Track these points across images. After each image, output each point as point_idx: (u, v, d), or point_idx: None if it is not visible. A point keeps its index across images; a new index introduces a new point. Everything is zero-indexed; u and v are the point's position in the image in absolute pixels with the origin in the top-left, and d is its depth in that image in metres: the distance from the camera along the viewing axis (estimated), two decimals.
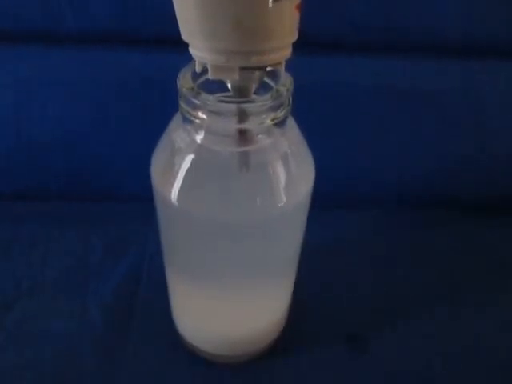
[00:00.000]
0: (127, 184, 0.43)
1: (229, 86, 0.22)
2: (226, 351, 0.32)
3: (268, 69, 0.21)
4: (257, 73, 0.21)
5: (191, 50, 0.21)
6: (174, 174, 0.23)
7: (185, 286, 0.29)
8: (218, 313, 0.29)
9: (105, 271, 0.37)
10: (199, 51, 0.20)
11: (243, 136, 0.22)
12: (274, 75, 0.23)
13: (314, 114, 0.35)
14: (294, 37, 0.21)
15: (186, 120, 0.23)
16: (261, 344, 0.32)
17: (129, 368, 0.31)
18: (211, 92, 0.22)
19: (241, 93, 0.22)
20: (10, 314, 0.34)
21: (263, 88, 0.23)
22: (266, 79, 0.23)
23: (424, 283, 0.38)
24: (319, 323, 0.34)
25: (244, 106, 0.21)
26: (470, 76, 0.41)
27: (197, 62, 0.21)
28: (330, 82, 0.40)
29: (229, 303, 0.29)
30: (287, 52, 0.21)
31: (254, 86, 0.22)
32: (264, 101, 0.21)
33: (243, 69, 0.20)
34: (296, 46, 0.21)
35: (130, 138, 0.41)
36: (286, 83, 0.22)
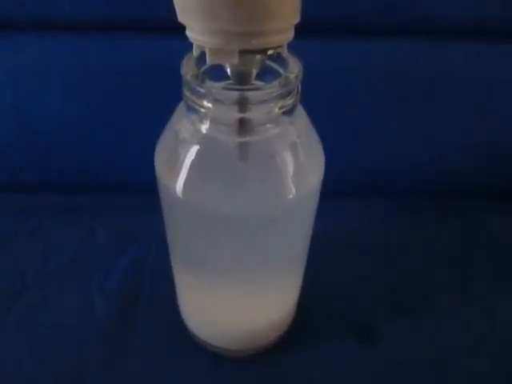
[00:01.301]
0: (131, 176, 0.42)
1: (228, 71, 0.21)
2: (234, 345, 0.31)
3: (269, 52, 0.20)
4: (257, 57, 0.20)
5: (188, 32, 0.20)
6: (179, 165, 0.23)
7: (192, 279, 0.29)
8: (225, 307, 0.29)
9: (109, 263, 0.37)
10: (196, 34, 0.19)
11: (243, 126, 0.21)
12: (281, 61, 0.22)
13: (323, 101, 0.34)
14: (296, 18, 0.20)
15: (190, 109, 0.22)
16: (269, 337, 0.32)
17: (134, 360, 0.31)
18: (216, 80, 0.21)
19: (241, 78, 0.21)
20: (15, 306, 0.34)
21: (271, 75, 0.22)
22: (274, 65, 0.22)
23: (435, 273, 0.37)
24: (328, 316, 0.34)
25: (249, 93, 0.20)
26: (480, 61, 0.39)
27: (194, 46, 0.20)
28: (341, 68, 0.39)
29: (236, 297, 0.28)
30: (289, 34, 0.20)
31: (254, 72, 0.21)
32: (272, 88, 0.20)
33: (243, 52, 0.19)
34: (305, 32, 0.20)
35: (133, 129, 0.41)
36: (294, 70, 0.21)
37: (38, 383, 0.30)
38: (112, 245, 0.39)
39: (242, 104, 0.20)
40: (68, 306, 0.34)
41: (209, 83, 0.20)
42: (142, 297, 0.35)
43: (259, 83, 0.22)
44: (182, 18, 0.19)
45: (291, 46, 0.21)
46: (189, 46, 0.21)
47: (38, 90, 0.40)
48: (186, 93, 0.21)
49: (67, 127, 0.41)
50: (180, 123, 0.23)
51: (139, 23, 0.38)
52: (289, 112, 0.22)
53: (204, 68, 0.22)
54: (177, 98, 0.23)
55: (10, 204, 0.43)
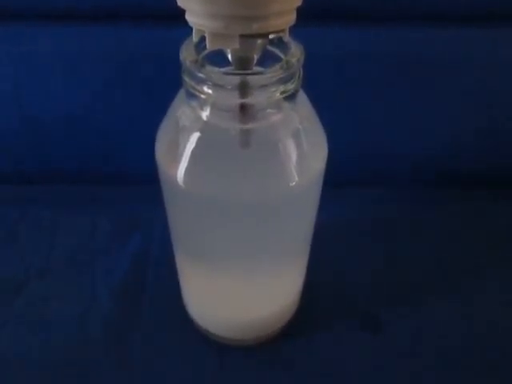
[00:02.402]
0: (133, 165, 0.42)
1: (229, 56, 0.21)
2: (238, 334, 0.31)
3: (271, 37, 0.20)
4: (259, 41, 0.20)
5: (188, 16, 0.19)
6: (180, 154, 0.22)
7: (195, 269, 0.29)
8: (230, 296, 0.29)
9: (113, 254, 0.37)
10: (196, 17, 0.19)
11: (245, 112, 0.21)
12: (282, 46, 0.21)
13: (326, 87, 0.34)
14: (298, 0, 0.19)
15: (191, 95, 0.21)
16: (274, 327, 0.31)
17: (140, 351, 0.31)
18: (217, 66, 0.20)
19: (242, 64, 0.20)
20: (19, 298, 0.34)
21: (272, 60, 0.21)
22: (275, 50, 0.22)
23: (439, 260, 0.37)
24: (332, 304, 0.34)
25: (250, 78, 0.20)
26: (487, 47, 0.39)
27: (194, 31, 0.20)
28: (343, 53, 0.38)
29: (240, 286, 0.28)
30: (291, 18, 0.19)
31: (255, 57, 0.21)
32: (273, 72, 0.20)
33: (244, 37, 0.19)
34: (306, 18, 0.20)
35: (136, 117, 0.40)
36: (296, 53, 0.21)
37: (43, 374, 0.30)
38: (115, 235, 0.39)
39: (243, 89, 0.20)
40: (72, 297, 0.34)
41: (208, 68, 0.20)
42: (145, 287, 0.34)
43: (260, 69, 0.21)
44: (181, 1, 0.19)
45: (293, 33, 0.21)
46: (191, 34, 0.21)
47: (39, 80, 0.40)
48: (186, 79, 0.21)
49: (69, 117, 0.41)
50: (180, 110, 0.23)
51: (141, 11, 0.38)
52: (291, 97, 0.21)
53: (204, 54, 0.21)
54: (178, 86, 0.23)
55: (12, 195, 0.42)
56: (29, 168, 0.43)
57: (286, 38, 0.21)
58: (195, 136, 0.22)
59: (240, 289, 0.28)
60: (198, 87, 0.20)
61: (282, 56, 0.21)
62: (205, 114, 0.22)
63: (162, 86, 0.27)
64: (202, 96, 0.21)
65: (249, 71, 0.20)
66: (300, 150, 0.23)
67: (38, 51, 0.39)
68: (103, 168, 0.43)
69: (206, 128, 0.22)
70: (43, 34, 0.39)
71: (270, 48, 0.22)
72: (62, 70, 0.39)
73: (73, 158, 0.43)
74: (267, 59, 0.21)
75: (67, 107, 0.41)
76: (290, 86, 0.21)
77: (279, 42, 0.22)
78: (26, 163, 0.43)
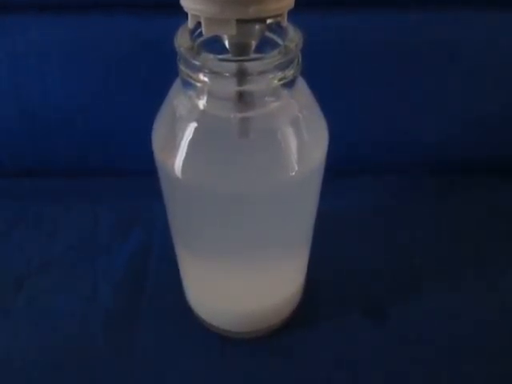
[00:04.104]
0: (134, 157, 0.41)
1: (226, 43, 0.20)
2: (240, 327, 0.31)
3: (268, 21, 0.19)
4: (256, 27, 0.19)
5: (182, 1, 0.19)
6: (177, 144, 0.22)
7: (195, 261, 0.28)
8: (231, 288, 0.28)
9: (114, 247, 0.37)
10: (191, 2, 0.18)
11: (243, 100, 0.20)
12: (280, 31, 0.21)
13: (326, 74, 0.33)
14: None
15: (187, 84, 0.21)
16: (275, 319, 0.31)
17: (141, 344, 0.31)
18: (213, 53, 0.20)
19: (240, 51, 0.20)
20: (20, 293, 0.34)
21: (270, 47, 0.21)
22: (273, 36, 0.21)
23: (440, 248, 0.37)
24: (334, 296, 0.33)
25: (247, 64, 0.19)
26: (495, 28, 0.38)
27: (189, 16, 0.19)
28: (343, 40, 0.37)
29: (242, 278, 0.28)
30: (289, 1, 0.19)
31: (254, 44, 0.20)
32: (271, 58, 0.19)
33: (241, 22, 0.18)
34: (306, 2, 0.19)
35: (135, 109, 0.40)
36: (294, 39, 0.20)
37: (44, 369, 0.30)
38: (116, 229, 0.38)
39: (241, 76, 0.19)
40: (73, 292, 0.34)
41: (204, 55, 0.20)
42: (147, 280, 0.34)
43: (258, 55, 0.21)
44: None
45: (292, 20, 0.21)
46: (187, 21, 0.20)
47: (37, 73, 0.39)
48: (181, 67, 0.20)
49: (67, 110, 0.40)
50: (177, 100, 0.22)
51: (137, 1, 0.37)
52: (289, 84, 0.21)
53: (200, 41, 0.21)
54: (176, 76, 0.22)
55: (12, 189, 0.42)
56: (28, 162, 0.43)
57: (285, 23, 0.20)
58: (192, 126, 0.22)
59: (242, 281, 0.28)
60: (194, 75, 0.20)
61: (281, 42, 0.21)
62: (202, 103, 0.21)
63: (160, 76, 0.27)
64: (198, 84, 0.20)
65: (246, 57, 0.20)
66: (300, 139, 0.22)
67: (35, 45, 0.38)
68: (103, 160, 0.43)
69: (203, 117, 0.21)
70: (38, 25, 0.38)
71: (268, 34, 0.21)
72: (57, 62, 0.39)
73: (72, 151, 0.43)
74: (266, 46, 0.21)
75: (65, 100, 0.40)
76: (289, 73, 0.20)
77: (277, 28, 0.21)
78: (25, 157, 0.43)
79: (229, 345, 0.31)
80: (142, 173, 0.36)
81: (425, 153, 0.43)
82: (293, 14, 0.20)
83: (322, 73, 0.29)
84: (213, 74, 0.20)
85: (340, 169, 0.33)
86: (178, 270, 0.31)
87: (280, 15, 0.19)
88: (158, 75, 0.29)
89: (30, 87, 0.40)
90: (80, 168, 0.43)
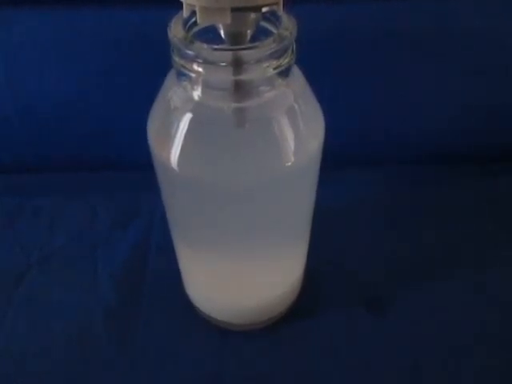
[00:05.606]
0: (132, 150, 0.41)
1: (221, 33, 0.20)
2: (240, 319, 0.31)
3: (264, 10, 0.19)
4: (252, 15, 0.19)
5: None
6: (172, 136, 0.22)
7: (194, 254, 0.28)
8: (227, 281, 0.28)
9: (114, 241, 0.37)
10: None
11: (239, 89, 0.20)
12: (275, 20, 0.21)
13: (321, 63, 0.33)
14: None
15: (181, 75, 0.21)
16: (275, 311, 0.31)
17: (141, 337, 0.31)
18: (207, 43, 0.20)
19: (235, 40, 0.20)
20: (20, 287, 0.34)
21: (264, 35, 0.21)
22: (267, 24, 0.21)
23: (440, 239, 0.36)
24: (334, 288, 0.33)
25: (242, 53, 0.19)
26: (495, 16, 0.37)
27: (184, 6, 0.19)
28: (339, 28, 0.37)
29: (241, 270, 0.28)
30: None
31: (249, 33, 0.20)
32: (265, 46, 0.19)
33: (236, 11, 0.18)
34: None
35: (132, 102, 0.39)
36: (288, 26, 0.20)
37: (45, 362, 0.30)
38: (115, 222, 0.38)
39: (236, 65, 0.19)
40: (73, 285, 0.34)
41: (198, 44, 0.19)
42: (147, 272, 0.34)
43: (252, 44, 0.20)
44: None
45: (288, 8, 0.20)
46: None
47: (33, 66, 0.39)
48: (175, 57, 0.20)
49: (65, 104, 0.40)
50: (171, 91, 0.22)
51: None
52: (284, 73, 0.21)
53: (195, 31, 0.21)
54: (171, 68, 0.22)
55: (11, 184, 0.42)
56: (26, 156, 0.43)
57: (280, 11, 0.20)
58: (187, 117, 0.21)
59: (241, 273, 0.28)
60: (188, 65, 0.20)
61: (275, 31, 0.21)
62: (196, 94, 0.21)
63: (158, 71, 0.27)
64: (193, 74, 0.20)
65: (240, 46, 0.20)
66: (296, 129, 0.22)
67: (30, 38, 0.38)
68: (101, 154, 0.43)
69: (198, 108, 0.21)
70: (35, 19, 0.38)
71: (263, 24, 0.21)
72: (54, 55, 0.39)
73: (70, 144, 0.42)
74: (261, 36, 0.21)
75: (61, 93, 0.40)
76: (284, 61, 0.20)
77: (272, 17, 0.21)
78: (22, 152, 0.43)
79: (228, 337, 0.31)
80: (140, 165, 0.35)
81: (425, 141, 0.42)
82: (289, 3, 0.20)
83: (319, 62, 0.29)
84: (208, 63, 0.19)
85: (337, 159, 0.33)
86: (177, 263, 0.31)
87: (276, 3, 0.19)
88: (158, 69, 0.29)
89: (25, 81, 0.40)
90: (78, 161, 0.43)
